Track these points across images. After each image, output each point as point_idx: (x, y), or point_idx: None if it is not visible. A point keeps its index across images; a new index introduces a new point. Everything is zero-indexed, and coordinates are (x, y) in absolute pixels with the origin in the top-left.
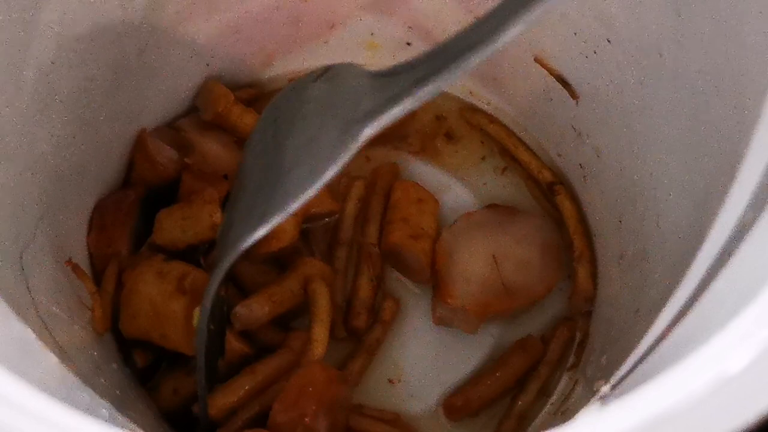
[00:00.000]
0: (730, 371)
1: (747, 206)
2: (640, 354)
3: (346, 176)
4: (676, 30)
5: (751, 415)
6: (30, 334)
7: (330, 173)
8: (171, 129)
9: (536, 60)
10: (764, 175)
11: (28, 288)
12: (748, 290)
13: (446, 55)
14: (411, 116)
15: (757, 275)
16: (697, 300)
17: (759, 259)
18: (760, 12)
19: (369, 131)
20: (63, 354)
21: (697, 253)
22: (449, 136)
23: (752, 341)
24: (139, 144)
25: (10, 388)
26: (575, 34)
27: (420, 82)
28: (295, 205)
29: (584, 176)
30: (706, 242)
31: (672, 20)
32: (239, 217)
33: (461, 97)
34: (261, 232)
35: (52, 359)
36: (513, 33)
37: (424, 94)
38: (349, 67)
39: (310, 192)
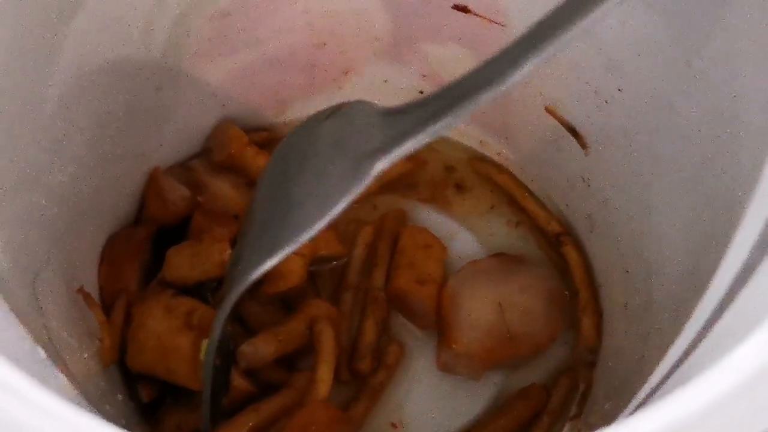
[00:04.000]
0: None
1: (751, 250)
2: (643, 397)
3: (354, 222)
4: (686, 79)
5: None
6: (42, 354)
7: (340, 207)
8: (183, 168)
9: (547, 110)
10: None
11: (41, 312)
12: (749, 326)
13: (456, 93)
14: (421, 166)
15: (756, 316)
16: (700, 341)
17: (759, 301)
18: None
19: (380, 166)
20: (72, 379)
21: (701, 298)
22: (459, 187)
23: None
24: (152, 181)
25: (35, 393)
26: (587, 83)
27: (430, 118)
28: (304, 238)
29: (592, 226)
30: (710, 287)
31: (682, 69)
32: (248, 249)
33: (472, 146)
34: (270, 263)
35: (63, 380)
36: (522, 73)
37: (435, 130)
38: (360, 104)
39: (319, 225)
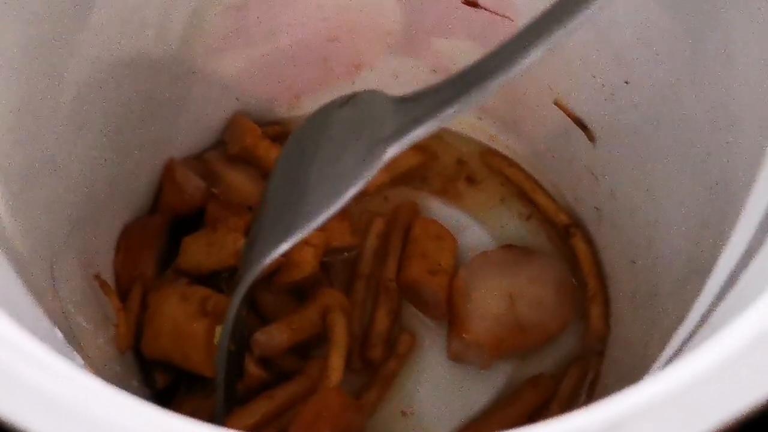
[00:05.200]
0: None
1: (751, 237)
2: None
3: (366, 213)
4: (691, 70)
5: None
6: (60, 335)
7: (352, 192)
8: (199, 160)
9: (555, 103)
10: None
11: (57, 295)
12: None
13: (465, 80)
14: (432, 159)
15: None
16: (702, 325)
17: (759, 283)
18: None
19: (392, 151)
20: (89, 362)
21: (705, 284)
22: (470, 180)
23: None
24: (168, 172)
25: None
26: (594, 76)
27: (441, 105)
28: (317, 223)
29: (600, 218)
30: (713, 273)
31: (687, 60)
32: (262, 235)
33: (482, 141)
34: (283, 248)
35: (81, 360)
36: (529, 60)
37: (446, 115)
38: (373, 93)
39: (332, 210)
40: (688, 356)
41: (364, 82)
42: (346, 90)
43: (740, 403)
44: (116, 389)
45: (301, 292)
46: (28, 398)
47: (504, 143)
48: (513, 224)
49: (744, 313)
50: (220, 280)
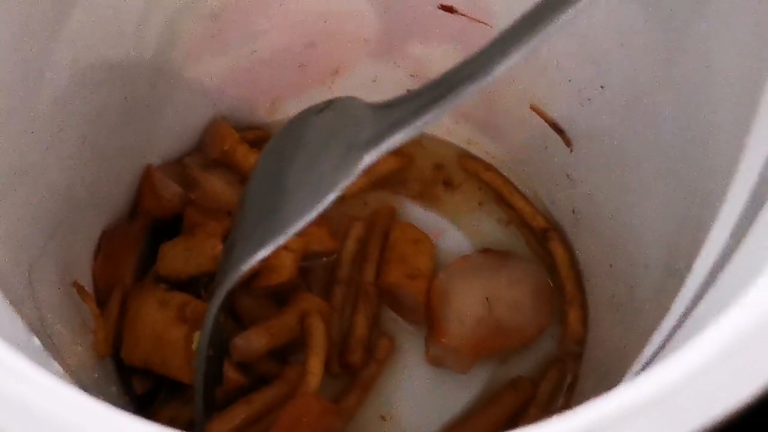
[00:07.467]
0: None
1: (726, 240)
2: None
3: (345, 217)
4: (666, 73)
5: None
6: (37, 342)
7: (330, 198)
8: (177, 165)
9: (532, 108)
10: (745, 207)
11: (35, 302)
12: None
13: (442, 87)
14: (410, 163)
15: (733, 298)
16: (679, 327)
17: (734, 286)
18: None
19: (369, 158)
20: (67, 369)
21: (681, 286)
22: (448, 184)
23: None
24: (146, 178)
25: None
26: (570, 81)
27: (418, 111)
28: (294, 229)
29: (577, 222)
30: (689, 275)
31: (664, 64)
32: (240, 241)
33: (460, 145)
34: (261, 254)
35: (59, 368)
36: (505, 66)
37: (423, 122)
38: (351, 100)
39: (310, 216)
40: (666, 361)
41: (342, 87)
42: (324, 95)
43: (719, 408)
44: (92, 398)
45: (280, 297)
46: (2, 407)
47: (481, 147)
48: (491, 228)
49: (720, 317)
50: (199, 285)
